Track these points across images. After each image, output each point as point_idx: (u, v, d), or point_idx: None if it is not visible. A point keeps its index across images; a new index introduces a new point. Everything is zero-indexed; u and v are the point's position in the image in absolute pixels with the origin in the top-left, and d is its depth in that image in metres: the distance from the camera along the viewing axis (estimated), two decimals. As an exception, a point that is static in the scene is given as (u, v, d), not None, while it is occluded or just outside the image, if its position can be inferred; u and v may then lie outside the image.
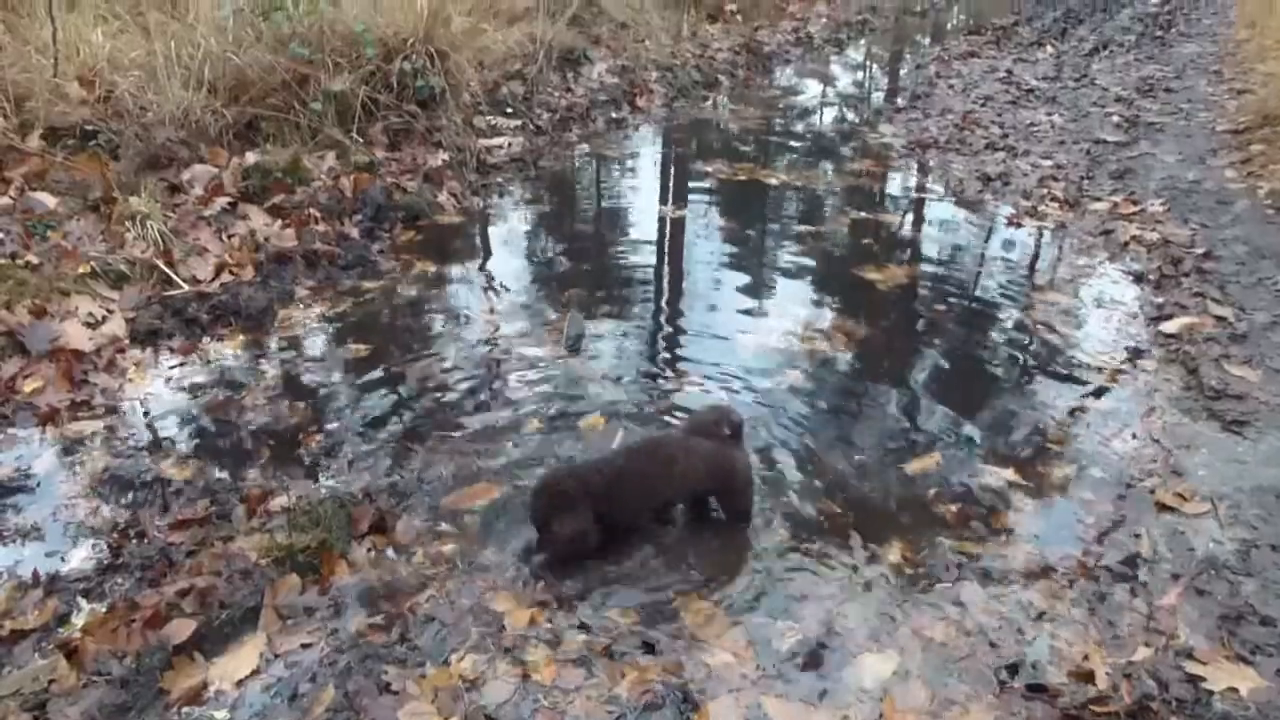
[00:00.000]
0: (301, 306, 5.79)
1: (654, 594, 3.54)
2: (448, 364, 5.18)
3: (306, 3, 7.59)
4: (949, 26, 18.78)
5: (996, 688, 3.10)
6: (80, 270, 5.39)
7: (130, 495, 4.01)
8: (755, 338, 5.56)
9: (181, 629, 3.21)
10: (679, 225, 7.60)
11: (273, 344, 5.36)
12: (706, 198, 8.34)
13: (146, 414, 4.64)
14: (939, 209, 8.16)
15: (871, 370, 5.27)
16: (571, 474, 3.70)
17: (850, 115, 11.95)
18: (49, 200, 5.93)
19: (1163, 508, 4.02)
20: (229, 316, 5.50)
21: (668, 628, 3.35)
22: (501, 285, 6.28)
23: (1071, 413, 4.82)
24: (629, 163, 9.42)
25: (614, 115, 10.52)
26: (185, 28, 7.52)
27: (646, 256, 6.99)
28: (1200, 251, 6.65)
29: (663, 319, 5.91)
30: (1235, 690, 3.04)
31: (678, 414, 4.70)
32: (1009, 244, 7.29)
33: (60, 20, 7.12)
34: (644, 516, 3.91)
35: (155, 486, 4.06)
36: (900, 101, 11.99)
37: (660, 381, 5.08)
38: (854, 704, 3.03)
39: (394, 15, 7.93)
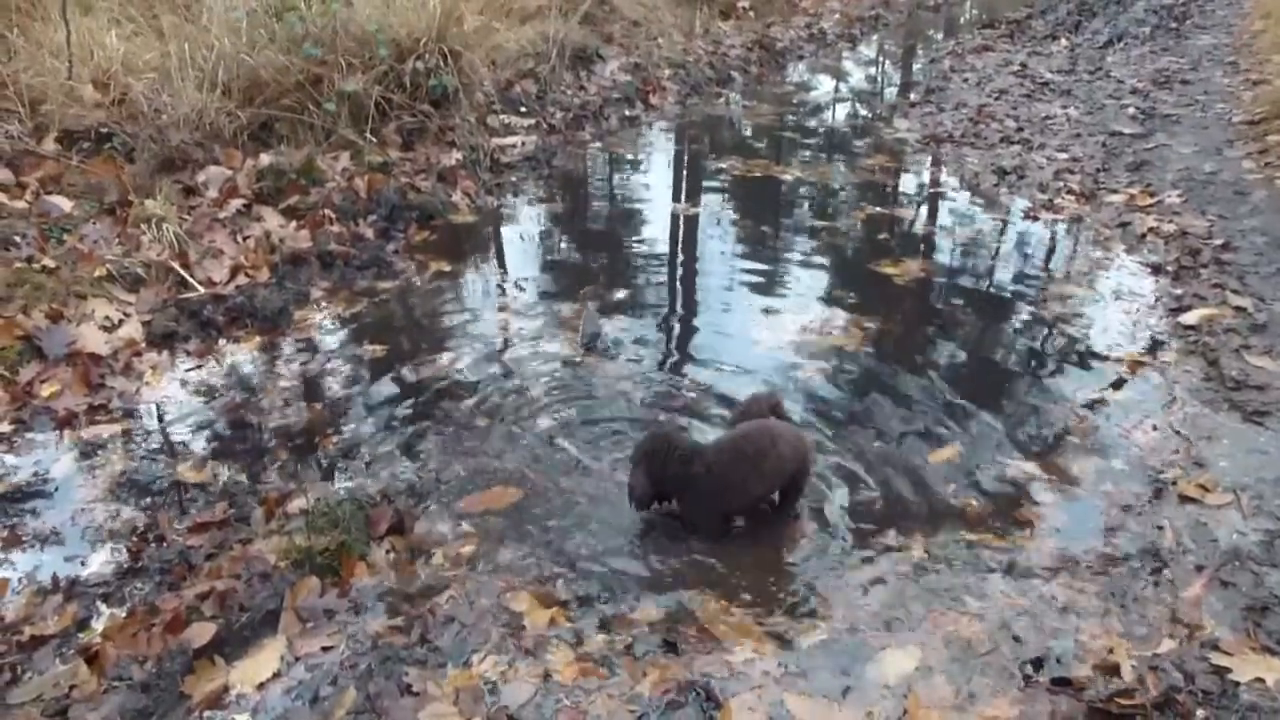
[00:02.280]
0: (317, 307, 5.79)
1: (675, 592, 3.52)
2: (464, 364, 5.18)
3: (319, 3, 7.59)
4: (962, 21, 18.69)
5: (1021, 682, 3.08)
6: (96, 273, 5.41)
7: (148, 499, 4.02)
8: (772, 333, 5.53)
9: (202, 632, 3.21)
10: (694, 222, 7.58)
11: (289, 346, 5.36)
12: (721, 194, 8.31)
13: (164, 417, 4.65)
14: (955, 203, 8.12)
15: (889, 365, 5.24)
16: (666, 446, 3.77)
17: (864, 110, 11.90)
18: (65, 203, 5.96)
19: (1185, 499, 3.98)
20: (245, 318, 5.51)
21: (689, 626, 3.34)
22: (517, 284, 6.27)
23: (1091, 405, 4.78)
24: (643, 160, 9.40)
25: (627, 113, 10.50)
26: (199, 30, 7.54)
27: (662, 254, 6.98)
28: (1218, 242, 6.59)
29: (679, 316, 5.90)
30: (1262, 681, 3.01)
31: (693, 408, 4.71)
32: (1026, 237, 7.25)
33: (74, 23, 7.14)
34: (738, 513, 3.95)
35: (173, 490, 4.07)
36: (914, 96, 11.93)
37: (677, 378, 5.06)
38: (878, 700, 3.01)
39: (407, 15, 7.93)
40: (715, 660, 3.16)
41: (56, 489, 4.07)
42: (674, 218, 7.78)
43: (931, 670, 3.13)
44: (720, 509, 3.87)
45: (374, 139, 7.59)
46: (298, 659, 3.16)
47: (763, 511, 3.98)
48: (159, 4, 8.12)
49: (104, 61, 7.23)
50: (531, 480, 4.14)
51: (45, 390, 4.64)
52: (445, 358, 5.24)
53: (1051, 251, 7.03)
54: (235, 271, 5.82)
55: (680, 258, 6.98)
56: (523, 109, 9.35)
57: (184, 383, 4.92)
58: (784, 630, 3.32)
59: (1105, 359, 5.25)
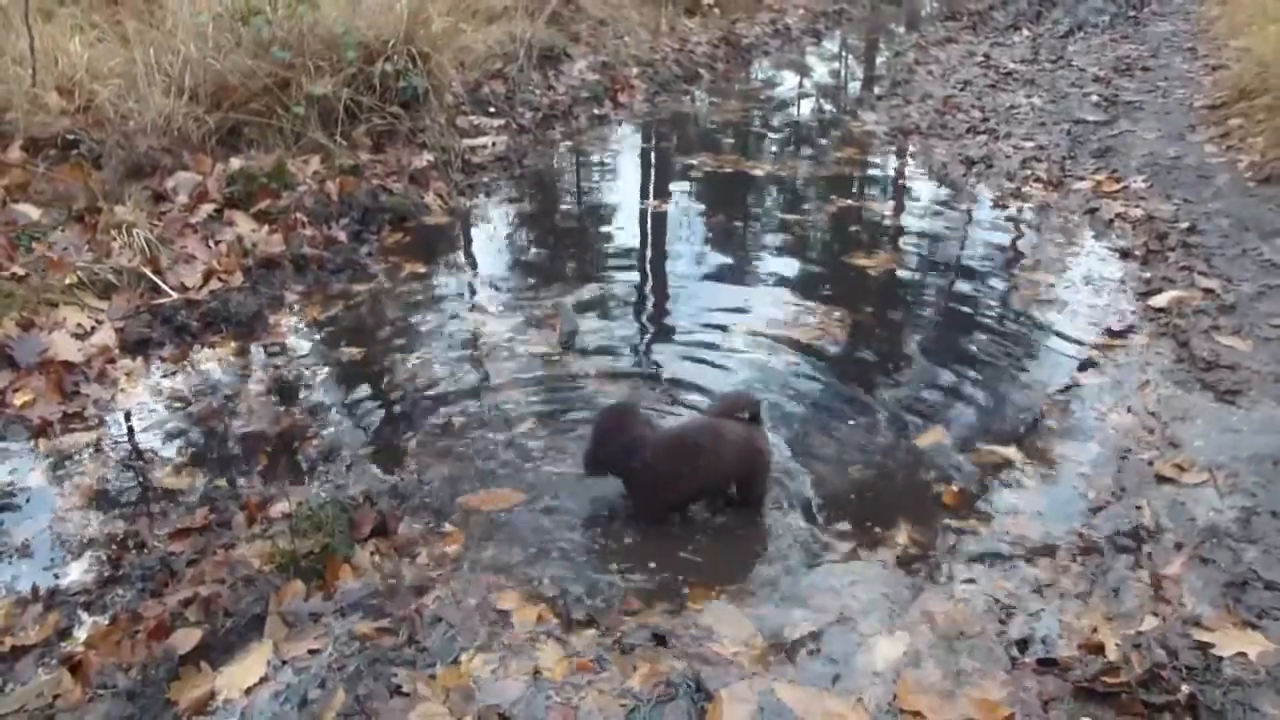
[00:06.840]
0: (292, 311, 5.75)
1: (663, 585, 3.53)
2: (442, 364, 5.16)
3: (286, 6, 7.53)
4: (924, 13, 18.79)
5: (1008, 664, 3.11)
6: (67, 281, 5.34)
7: (127, 506, 3.98)
8: (748, 326, 5.55)
9: (187, 639, 3.18)
10: (665, 219, 7.59)
11: (265, 350, 5.33)
12: (693, 191, 8.32)
13: (140, 424, 4.60)
14: (924, 194, 8.18)
15: (866, 355, 5.28)
16: (617, 430, 3.83)
17: (831, 104, 11.97)
18: (33, 211, 5.88)
19: (1162, 479, 4.03)
20: (219, 323, 5.46)
21: (678, 618, 3.34)
22: (491, 284, 6.26)
23: (1066, 389, 4.84)
24: (613, 159, 9.40)
25: (596, 112, 10.49)
26: (164, 35, 7.46)
27: (636, 250, 6.98)
28: (1184, 226, 6.68)
29: (655, 311, 5.91)
30: (1244, 655, 3.04)
31: (674, 400, 4.72)
32: (995, 225, 7.32)
33: (36, 30, 7.05)
34: (679, 505, 3.95)
35: (153, 496, 4.03)
36: (880, 89, 12.02)
37: (654, 372, 5.07)
38: (867, 687, 3.03)
39: (374, 17, 7.88)
40: (705, 651, 3.17)
41: (31, 499, 4.02)
42: (645, 215, 7.78)
43: (920, 655, 3.15)
44: (659, 500, 3.87)
45: (344, 142, 7.54)
46: (285, 663, 3.13)
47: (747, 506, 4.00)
48: (122, 10, 8.04)
49: (68, 68, 7.15)
50: (512, 478, 4.13)
51: (18, 399, 4.58)
52: (422, 358, 5.22)
53: (1021, 239, 7.09)
54: (208, 276, 5.77)
55: (654, 254, 6.98)
56: (492, 109, 9.34)
57: (159, 389, 4.87)
58: (773, 620, 3.33)
59: (1078, 343, 5.30)
